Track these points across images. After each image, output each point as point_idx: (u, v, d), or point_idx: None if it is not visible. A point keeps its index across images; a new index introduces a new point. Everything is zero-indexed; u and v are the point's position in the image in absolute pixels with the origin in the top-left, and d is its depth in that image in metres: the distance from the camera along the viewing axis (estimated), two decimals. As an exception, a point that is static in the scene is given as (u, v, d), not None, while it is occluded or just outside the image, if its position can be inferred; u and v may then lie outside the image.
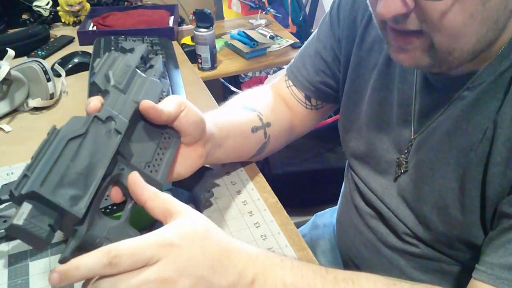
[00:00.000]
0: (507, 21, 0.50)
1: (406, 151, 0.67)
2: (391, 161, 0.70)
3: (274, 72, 2.01)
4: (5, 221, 0.65)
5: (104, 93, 0.53)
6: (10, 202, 0.66)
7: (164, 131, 0.56)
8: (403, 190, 0.68)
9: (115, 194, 0.50)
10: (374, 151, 0.72)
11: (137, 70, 0.56)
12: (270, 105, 0.82)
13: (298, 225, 0.78)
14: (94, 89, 0.53)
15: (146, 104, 0.53)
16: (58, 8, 1.49)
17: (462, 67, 0.57)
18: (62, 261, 0.42)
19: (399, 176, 0.68)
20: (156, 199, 0.47)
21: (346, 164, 0.88)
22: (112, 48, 1.21)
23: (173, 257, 0.43)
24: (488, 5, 0.47)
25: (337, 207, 0.93)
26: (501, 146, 0.54)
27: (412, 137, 0.66)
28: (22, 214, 0.40)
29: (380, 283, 0.50)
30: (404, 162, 0.67)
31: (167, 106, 0.55)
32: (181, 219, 0.45)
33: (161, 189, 0.50)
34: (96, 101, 0.51)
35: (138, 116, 0.53)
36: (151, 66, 0.61)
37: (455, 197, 0.60)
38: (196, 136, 0.60)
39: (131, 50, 0.58)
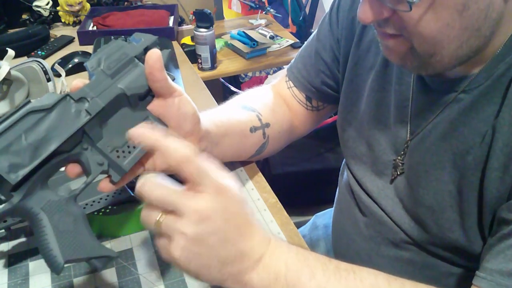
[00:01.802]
0: (493, 27, 0.51)
1: (402, 152, 0.67)
2: (388, 162, 0.69)
3: (274, 72, 2.01)
4: (5, 221, 0.65)
5: (92, 76, 0.53)
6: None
7: (148, 121, 0.56)
8: (399, 192, 0.68)
9: (71, 169, 0.51)
10: (372, 152, 0.72)
11: (136, 59, 0.56)
12: (270, 105, 0.82)
13: (298, 225, 0.78)
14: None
15: (154, 52, 0.52)
16: (58, 8, 1.49)
17: (456, 70, 0.57)
18: None
19: (395, 178, 0.68)
20: (192, 163, 0.46)
21: (340, 169, 0.88)
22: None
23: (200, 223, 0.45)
24: (465, 14, 0.48)
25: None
26: (499, 152, 0.53)
27: (408, 138, 0.66)
28: None
29: (381, 277, 0.50)
30: (400, 164, 0.67)
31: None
32: (216, 195, 0.46)
33: (122, 173, 0.52)
34: (78, 82, 0.52)
35: (122, 102, 0.53)
36: None
37: (453, 200, 0.60)
38: (186, 129, 0.58)
39: (139, 41, 0.58)
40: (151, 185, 0.45)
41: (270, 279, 0.47)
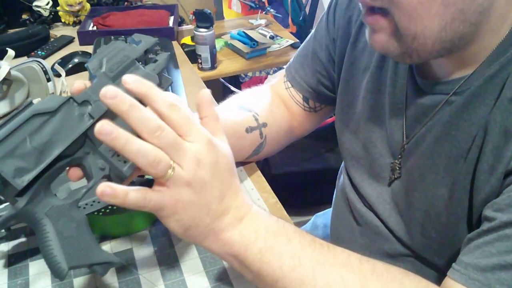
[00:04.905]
0: (480, 16, 0.50)
1: (399, 156, 0.66)
2: (385, 165, 0.69)
3: (274, 72, 2.01)
4: (5, 221, 0.66)
5: (94, 78, 0.53)
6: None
7: None
8: (396, 195, 0.67)
9: (73, 173, 0.51)
10: (368, 154, 0.71)
11: (136, 62, 0.56)
12: (268, 105, 0.81)
13: (298, 225, 0.77)
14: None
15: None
16: (58, 8, 1.49)
17: (448, 71, 0.57)
18: None
19: (393, 181, 0.68)
20: (182, 110, 0.47)
21: (338, 173, 0.88)
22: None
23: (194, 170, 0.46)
24: None
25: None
26: (489, 154, 0.53)
27: (404, 141, 0.65)
28: None
29: (354, 256, 0.51)
30: (398, 168, 0.66)
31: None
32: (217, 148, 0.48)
33: (123, 178, 0.51)
34: (80, 84, 0.51)
35: None
36: (155, 61, 0.60)
37: (444, 205, 0.59)
38: None
39: (138, 42, 0.58)
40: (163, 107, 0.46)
41: (250, 239, 0.49)
